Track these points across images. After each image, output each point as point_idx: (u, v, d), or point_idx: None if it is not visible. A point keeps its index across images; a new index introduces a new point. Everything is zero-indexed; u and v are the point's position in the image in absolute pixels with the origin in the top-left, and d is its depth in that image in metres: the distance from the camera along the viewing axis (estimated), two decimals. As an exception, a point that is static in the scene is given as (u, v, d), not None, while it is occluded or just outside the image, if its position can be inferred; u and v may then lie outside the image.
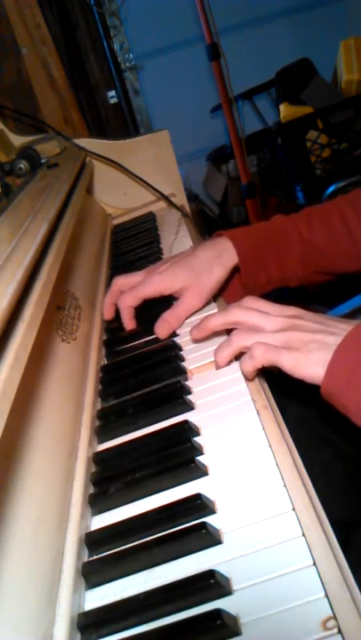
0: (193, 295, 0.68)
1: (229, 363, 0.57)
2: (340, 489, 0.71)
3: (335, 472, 0.71)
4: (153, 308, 0.71)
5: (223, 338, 0.59)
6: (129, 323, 0.71)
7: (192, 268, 0.68)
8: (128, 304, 0.70)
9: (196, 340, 0.62)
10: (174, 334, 0.67)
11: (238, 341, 0.54)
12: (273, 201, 2.43)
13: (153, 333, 0.68)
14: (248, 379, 0.55)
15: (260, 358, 0.51)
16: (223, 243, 0.71)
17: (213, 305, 0.71)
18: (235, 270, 0.72)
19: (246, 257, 0.71)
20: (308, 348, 0.49)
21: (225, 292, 0.75)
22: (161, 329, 0.67)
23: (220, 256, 0.70)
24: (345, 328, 0.50)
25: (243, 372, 0.55)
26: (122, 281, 0.72)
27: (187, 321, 0.69)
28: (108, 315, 0.74)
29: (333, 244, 0.74)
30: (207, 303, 0.70)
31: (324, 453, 0.71)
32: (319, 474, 0.69)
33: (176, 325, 0.68)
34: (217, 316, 0.58)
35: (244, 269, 0.71)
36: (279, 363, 0.50)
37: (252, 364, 0.52)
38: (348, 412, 0.47)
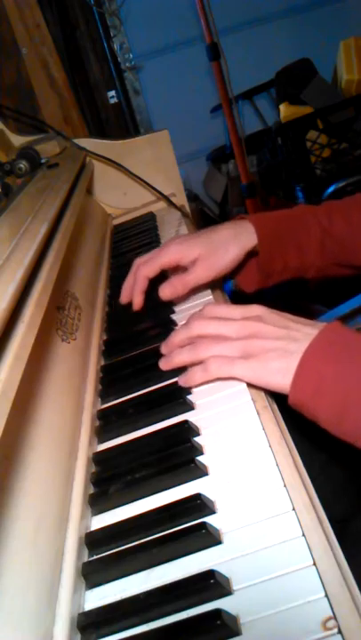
0: (204, 267, 0.68)
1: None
2: (340, 487, 0.71)
3: (335, 471, 0.71)
4: (151, 314, 0.72)
5: None
6: (139, 298, 0.71)
7: (210, 241, 0.69)
8: (145, 274, 0.70)
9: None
10: (173, 326, 0.67)
11: (198, 355, 0.54)
12: (273, 201, 2.42)
13: (152, 336, 0.68)
14: (191, 385, 0.55)
15: (214, 372, 0.52)
16: (245, 224, 0.71)
17: (208, 292, 0.72)
18: (251, 255, 0.72)
19: (266, 240, 0.71)
20: (267, 356, 0.49)
21: (241, 278, 0.75)
22: (165, 290, 0.68)
23: (240, 235, 0.70)
24: (310, 333, 0.49)
25: (190, 381, 0.55)
26: (142, 259, 0.72)
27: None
28: (126, 298, 0.74)
29: (352, 236, 0.73)
30: (217, 278, 0.70)
31: (324, 453, 0.71)
32: (319, 473, 0.69)
33: (181, 292, 0.69)
34: (181, 332, 0.58)
35: (262, 253, 0.71)
36: (235, 375, 0.51)
37: (203, 376, 0.53)
38: (318, 421, 0.47)
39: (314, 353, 0.47)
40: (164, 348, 0.60)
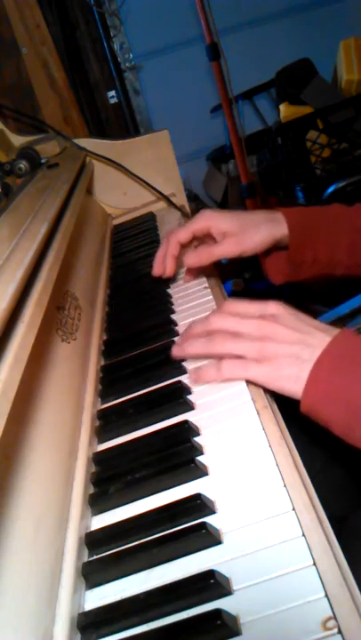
0: (232, 242, 0.69)
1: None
2: (339, 486, 0.71)
3: (334, 469, 0.71)
4: (151, 313, 0.72)
5: None
6: (171, 262, 0.73)
7: (243, 219, 0.71)
8: (178, 239, 0.72)
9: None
10: (174, 334, 0.67)
11: (212, 348, 0.55)
12: (273, 201, 2.42)
13: (152, 336, 0.68)
14: (201, 383, 0.56)
15: (227, 374, 0.53)
16: (276, 214, 0.73)
17: (209, 292, 0.73)
18: (281, 248, 0.73)
19: (295, 229, 0.72)
20: (279, 362, 0.49)
21: (270, 268, 0.76)
22: (190, 257, 0.71)
23: (272, 222, 0.71)
24: (324, 339, 0.49)
25: (201, 378, 0.55)
26: (175, 229, 0.73)
27: (186, 322, 0.69)
28: (158, 270, 0.75)
29: None
30: (242, 257, 0.72)
31: (324, 452, 0.71)
32: (318, 471, 0.69)
33: (205, 261, 0.71)
34: (198, 324, 0.58)
35: (291, 241, 0.72)
36: (247, 378, 0.51)
37: (216, 375, 0.54)
38: (330, 428, 0.47)
39: (326, 362, 0.47)
40: (180, 340, 0.60)
